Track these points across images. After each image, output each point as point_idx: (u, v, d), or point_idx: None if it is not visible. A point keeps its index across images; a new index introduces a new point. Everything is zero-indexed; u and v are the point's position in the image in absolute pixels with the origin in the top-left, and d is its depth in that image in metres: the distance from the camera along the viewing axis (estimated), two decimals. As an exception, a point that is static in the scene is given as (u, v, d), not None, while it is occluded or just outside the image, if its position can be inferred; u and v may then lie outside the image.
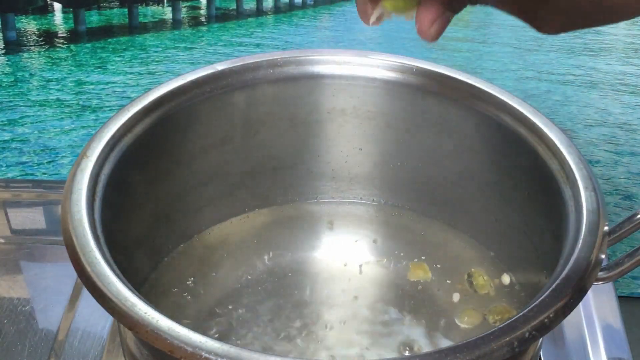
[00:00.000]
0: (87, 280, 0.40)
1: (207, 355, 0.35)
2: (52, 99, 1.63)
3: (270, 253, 0.60)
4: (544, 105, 1.61)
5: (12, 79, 1.71)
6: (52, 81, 1.71)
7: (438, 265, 0.59)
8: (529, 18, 0.31)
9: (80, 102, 1.62)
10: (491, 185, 0.58)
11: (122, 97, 1.65)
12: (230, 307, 0.55)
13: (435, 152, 0.60)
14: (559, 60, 1.87)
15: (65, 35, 1.98)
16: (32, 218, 0.69)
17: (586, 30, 0.31)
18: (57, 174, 1.41)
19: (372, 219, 0.65)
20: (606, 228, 0.44)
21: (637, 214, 0.45)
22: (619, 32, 2.02)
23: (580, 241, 0.43)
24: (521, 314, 0.38)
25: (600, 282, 0.43)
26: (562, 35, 0.31)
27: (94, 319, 0.56)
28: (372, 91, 0.60)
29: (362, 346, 0.52)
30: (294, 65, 0.59)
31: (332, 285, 0.58)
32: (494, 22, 2.15)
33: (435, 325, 0.54)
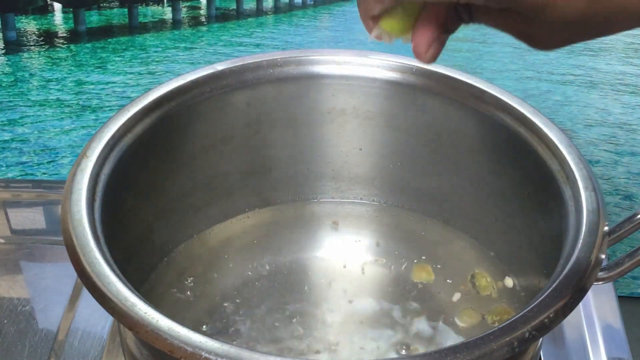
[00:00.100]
0: (87, 280, 0.40)
1: (207, 355, 0.35)
2: (52, 99, 1.63)
3: (270, 253, 0.60)
4: (544, 105, 1.61)
5: (12, 79, 1.71)
6: (52, 81, 1.71)
7: (438, 266, 0.59)
8: (523, 36, 0.31)
9: (80, 102, 1.62)
10: (491, 185, 0.58)
11: (122, 97, 1.65)
12: (230, 307, 0.55)
13: (435, 152, 0.60)
14: (559, 60, 1.87)
15: (65, 35, 1.98)
16: (32, 218, 0.69)
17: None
18: (57, 174, 1.41)
19: (372, 218, 0.65)
20: (606, 228, 0.44)
21: (637, 214, 0.45)
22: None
23: (580, 241, 0.43)
24: (521, 314, 0.38)
25: (600, 282, 0.43)
26: None
27: (94, 319, 0.56)
28: (372, 91, 0.60)
29: (361, 345, 0.52)
30: (294, 65, 0.59)
31: (333, 285, 0.58)
32: (494, 22, 2.14)
33: (434, 324, 0.54)
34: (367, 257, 0.61)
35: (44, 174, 1.41)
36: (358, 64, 0.59)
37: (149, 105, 0.53)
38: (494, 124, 0.55)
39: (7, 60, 1.80)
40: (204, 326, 0.54)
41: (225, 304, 0.56)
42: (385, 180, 0.64)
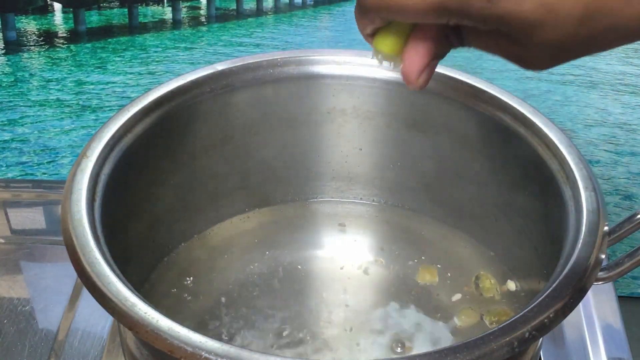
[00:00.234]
0: (87, 280, 0.40)
1: (207, 355, 0.35)
2: (52, 99, 1.63)
3: (270, 253, 0.60)
4: (544, 105, 1.61)
5: (12, 79, 1.71)
6: (52, 81, 1.71)
7: (439, 265, 0.59)
8: (513, 58, 0.31)
9: (80, 102, 1.62)
10: (491, 185, 0.58)
11: (122, 97, 1.65)
12: (230, 306, 0.55)
13: (435, 152, 0.60)
14: (559, 60, 1.86)
15: (65, 35, 1.98)
16: (32, 218, 0.69)
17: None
18: (57, 174, 1.41)
19: (372, 218, 0.65)
20: (606, 228, 0.44)
21: (637, 214, 0.45)
22: (619, 32, 2.01)
23: (580, 241, 0.43)
24: (521, 314, 0.38)
25: (600, 282, 0.43)
26: None
27: (94, 319, 0.56)
28: (372, 91, 0.60)
29: (361, 344, 0.52)
30: (294, 65, 0.59)
31: (333, 285, 0.58)
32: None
33: (432, 324, 0.54)
34: (367, 257, 0.61)
35: (44, 174, 1.41)
36: (358, 64, 0.59)
37: (149, 105, 0.53)
38: (494, 124, 0.55)
39: (7, 60, 1.80)
40: (204, 326, 0.54)
41: (225, 304, 0.56)
42: (385, 180, 0.64)
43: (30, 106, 1.61)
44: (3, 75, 1.72)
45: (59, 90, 1.67)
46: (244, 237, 0.62)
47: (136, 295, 0.39)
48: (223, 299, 0.56)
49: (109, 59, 1.84)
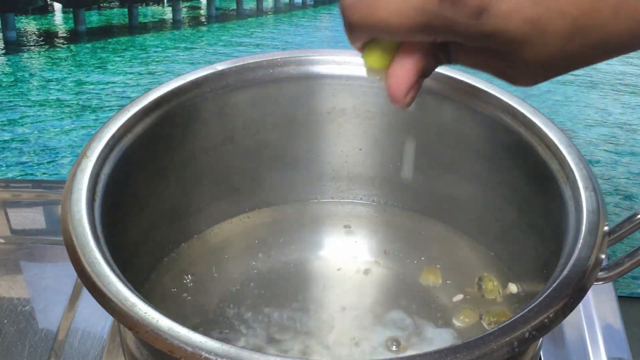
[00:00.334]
0: (87, 280, 0.40)
1: (207, 355, 0.35)
2: (52, 99, 1.63)
3: (270, 253, 0.60)
4: (544, 105, 1.61)
5: (12, 79, 1.71)
6: (52, 81, 1.71)
7: (438, 265, 0.59)
8: (502, 74, 0.31)
9: (80, 102, 1.62)
10: (491, 185, 0.58)
11: (122, 97, 1.65)
12: (230, 306, 0.55)
13: (434, 152, 0.60)
14: (559, 61, 1.86)
15: (65, 35, 1.98)
16: (32, 218, 0.69)
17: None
18: (57, 174, 1.41)
19: (372, 219, 0.65)
20: (606, 228, 0.44)
21: (637, 214, 0.45)
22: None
23: (580, 241, 0.43)
24: (521, 314, 0.38)
25: (600, 282, 0.43)
26: None
27: (94, 319, 0.56)
28: (372, 91, 0.60)
29: (360, 344, 0.52)
30: (294, 65, 0.59)
31: (332, 285, 0.58)
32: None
33: (431, 323, 0.54)
34: (367, 257, 0.61)
35: (44, 174, 1.41)
36: (358, 64, 0.59)
37: (149, 105, 0.53)
38: (494, 124, 0.55)
39: (7, 60, 1.80)
40: (204, 326, 0.54)
41: (225, 304, 0.56)
42: (385, 180, 0.64)
43: (30, 106, 1.61)
44: (3, 75, 1.72)
45: (59, 90, 1.67)
46: (244, 237, 0.62)
47: (136, 295, 0.39)
48: (223, 299, 0.56)
49: (109, 59, 1.83)
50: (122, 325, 0.40)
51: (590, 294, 0.59)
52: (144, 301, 0.38)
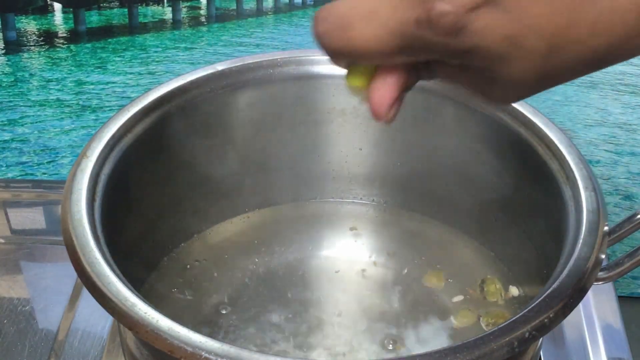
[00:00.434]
0: (87, 280, 0.40)
1: (207, 355, 0.35)
2: (52, 99, 1.63)
3: (270, 253, 0.60)
4: (544, 105, 1.61)
5: (12, 79, 1.71)
6: (52, 81, 1.71)
7: (438, 266, 0.59)
8: (481, 92, 0.30)
9: (80, 102, 1.62)
10: (491, 185, 0.58)
11: (122, 97, 1.65)
12: (230, 306, 0.55)
13: (435, 152, 0.60)
14: (559, 60, 1.86)
15: (65, 35, 1.98)
16: (32, 218, 0.69)
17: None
18: (57, 174, 1.41)
19: (372, 219, 0.65)
20: (606, 228, 0.44)
21: (637, 214, 0.45)
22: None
23: (580, 241, 0.43)
24: (521, 314, 0.38)
25: (600, 282, 0.43)
26: None
27: (94, 319, 0.56)
28: (372, 91, 0.60)
29: (359, 344, 0.52)
30: (294, 65, 0.59)
31: (332, 285, 0.58)
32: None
33: (430, 323, 0.54)
34: (367, 257, 0.61)
35: (44, 174, 1.41)
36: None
37: (149, 105, 0.53)
38: (494, 124, 0.55)
39: (7, 60, 1.80)
40: (204, 326, 0.54)
41: (225, 304, 0.56)
42: (385, 180, 0.64)
43: (30, 106, 1.61)
44: (3, 75, 1.72)
45: (59, 90, 1.67)
46: (244, 237, 0.62)
47: (136, 295, 0.39)
48: (223, 299, 0.56)
49: (109, 59, 1.83)
50: (122, 325, 0.40)
51: (590, 294, 0.59)
52: (144, 301, 0.38)
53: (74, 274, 0.41)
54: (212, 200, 0.61)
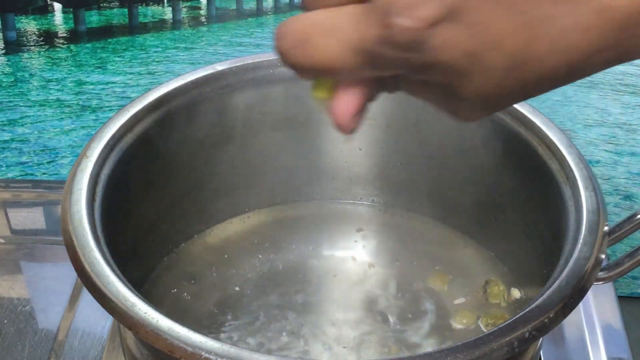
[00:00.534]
0: (87, 280, 0.40)
1: (207, 355, 0.35)
2: (52, 99, 1.63)
3: (270, 253, 0.60)
4: (544, 105, 1.61)
5: (12, 79, 1.71)
6: (52, 81, 1.71)
7: (437, 267, 0.59)
8: (446, 109, 0.30)
9: (80, 102, 1.62)
10: (491, 185, 0.58)
11: (122, 97, 1.65)
12: (230, 306, 0.55)
13: (435, 152, 0.60)
14: (559, 61, 1.86)
15: (65, 35, 1.98)
16: (32, 218, 0.69)
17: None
18: (57, 174, 1.41)
19: (371, 219, 0.64)
20: (606, 228, 0.44)
21: (637, 214, 0.45)
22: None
23: (580, 241, 0.43)
24: (521, 314, 0.38)
25: (600, 282, 0.43)
26: None
27: (94, 319, 0.56)
28: (372, 91, 0.60)
29: (358, 344, 0.52)
30: (294, 65, 0.59)
31: (332, 285, 0.58)
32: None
33: (429, 323, 0.54)
34: (367, 258, 0.61)
35: (44, 174, 1.41)
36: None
37: (149, 105, 0.53)
38: (494, 124, 0.55)
39: (7, 61, 1.80)
40: (204, 326, 0.54)
41: (225, 304, 0.56)
42: (385, 180, 0.64)
43: (30, 106, 1.61)
44: (3, 76, 1.72)
45: (59, 90, 1.67)
46: (244, 237, 0.62)
47: (136, 295, 0.39)
48: (223, 299, 0.56)
49: (109, 59, 1.84)
50: (122, 325, 0.40)
51: (590, 294, 0.59)
52: (144, 301, 0.38)
53: (74, 274, 0.41)
54: (212, 200, 0.61)
